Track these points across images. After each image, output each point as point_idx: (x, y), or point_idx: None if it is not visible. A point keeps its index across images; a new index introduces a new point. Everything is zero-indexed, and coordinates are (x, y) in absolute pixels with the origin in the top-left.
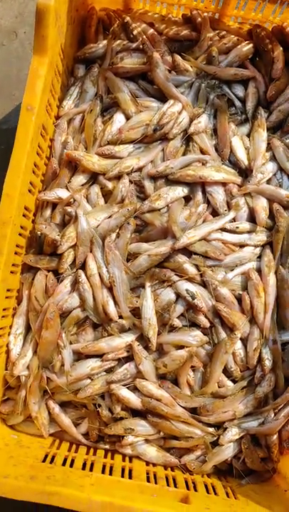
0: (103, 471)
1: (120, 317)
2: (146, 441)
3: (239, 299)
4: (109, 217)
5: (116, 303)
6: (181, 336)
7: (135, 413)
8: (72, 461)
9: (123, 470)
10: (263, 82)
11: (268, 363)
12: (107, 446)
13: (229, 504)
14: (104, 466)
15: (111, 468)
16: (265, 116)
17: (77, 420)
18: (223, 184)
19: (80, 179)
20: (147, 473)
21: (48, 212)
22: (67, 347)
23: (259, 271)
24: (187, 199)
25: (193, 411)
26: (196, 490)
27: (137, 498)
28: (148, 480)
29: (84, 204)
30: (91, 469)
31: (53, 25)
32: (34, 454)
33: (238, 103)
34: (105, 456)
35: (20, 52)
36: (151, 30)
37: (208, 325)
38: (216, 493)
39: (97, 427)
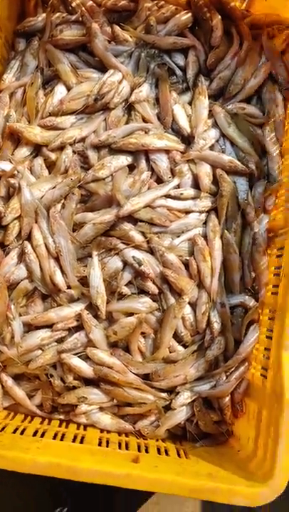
0: (54, 439)
1: (69, 287)
2: (101, 409)
3: (186, 265)
4: (54, 187)
5: (63, 273)
6: (130, 303)
7: (88, 382)
8: (24, 430)
9: (75, 437)
10: (202, 51)
11: (216, 326)
12: (61, 417)
13: (179, 463)
14: (56, 434)
15: (63, 435)
16: (206, 83)
17: (31, 392)
18: (167, 152)
19: (23, 151)
20: (100, 440)
21: None
22: (16, 319)
23: (205, 236)
24: (132, 168)
25: (146, 377)
26: (147, 452)
27: (85, 459)
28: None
29: (27, 175)
30: (42, 437)
31: None
32: None
33: (178, 72)
34: (60, 426)
35: None
36: (90, 2)
37: (156, 291)
38: (167, 455)
39: (50, 397)
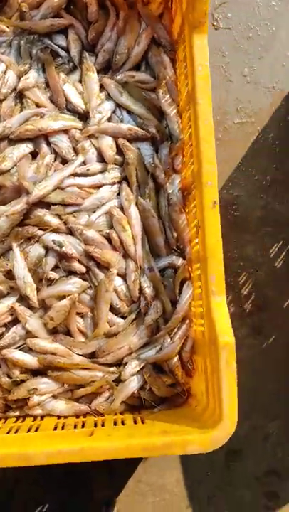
0: (8, 433)
1: None
2: (54, 396)
3: (108, 238)
4: None
5: None
6: (60, 286)
7: (36, 373)
8: None
9: (31, 428)
10: (81, 28)
11: (148, 291)
12: (17, 413)
13: (134, 428)
14: (10, 430)
15: (18, 429)
16: (91, 59)
17: None
18: (66, 132)
19: None
20: (56, 425)
21: None
22: None
23: (121, 207)
24: (35, 154)
25: (92, 356)
26: (103, 426)
27: (36, 444)
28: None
29: None
30: None
31: None
32: None
33: (62, 52)
34: (15, 422)
35: None
36: None
37: (83, 270)
38: (124, 425)
39: (0, 396)
